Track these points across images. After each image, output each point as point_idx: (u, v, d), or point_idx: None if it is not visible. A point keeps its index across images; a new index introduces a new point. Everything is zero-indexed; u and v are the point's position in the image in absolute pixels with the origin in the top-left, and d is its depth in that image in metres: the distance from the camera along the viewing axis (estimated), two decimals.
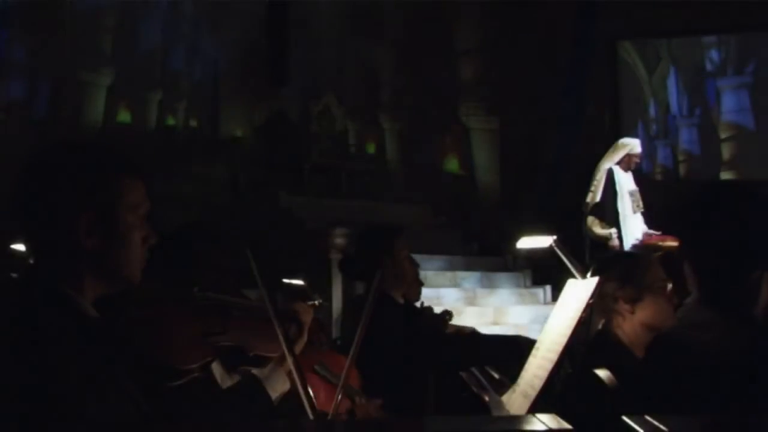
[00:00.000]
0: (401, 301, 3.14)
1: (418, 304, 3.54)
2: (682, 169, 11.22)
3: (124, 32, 11.34)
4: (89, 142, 1.50)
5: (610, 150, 6.68)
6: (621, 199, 6.40)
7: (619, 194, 6.39)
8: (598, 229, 6.42)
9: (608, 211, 6.42)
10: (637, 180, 6.76)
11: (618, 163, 6.52)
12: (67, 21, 10.50)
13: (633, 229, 6.38)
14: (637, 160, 6.67)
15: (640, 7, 10.46)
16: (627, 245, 6.29)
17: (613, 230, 6.32)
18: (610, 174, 6.45)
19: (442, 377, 3.00)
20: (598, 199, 6.49)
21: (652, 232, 6.38)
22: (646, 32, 11.25)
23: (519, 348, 2.83)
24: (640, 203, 6.48)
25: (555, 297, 7.78)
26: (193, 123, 12.08)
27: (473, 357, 2.97)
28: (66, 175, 1.39)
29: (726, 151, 10.95)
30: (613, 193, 6.39)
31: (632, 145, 6.68)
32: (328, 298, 6.63)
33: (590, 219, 6.52)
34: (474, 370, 2.62)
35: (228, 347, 1.75)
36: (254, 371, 1.84)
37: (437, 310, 3.91)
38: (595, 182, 6.50)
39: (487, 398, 2.09)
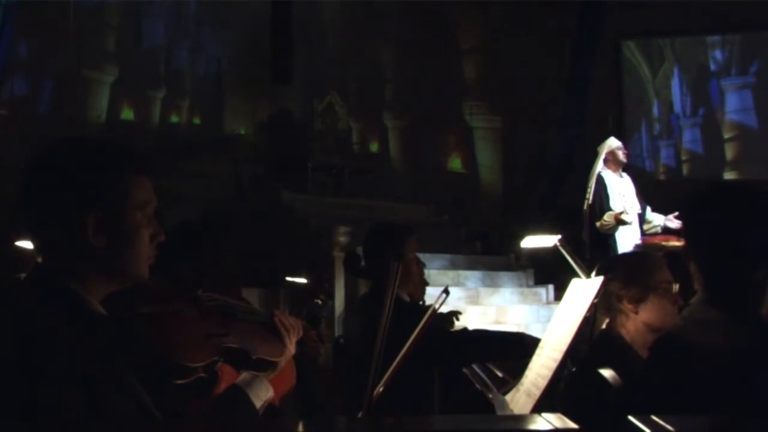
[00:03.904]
0: (407, 299, 3.14)
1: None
2: (685, 169, 11.21)
3: (128, 30, 11.37)
4: (97, 140, 1.49)
5: None
6: (612, 202, 6.46)
7: (610, 197, 6.46)
8: (599, 224, 6.48)
9: (599, 214, 6.50)
10: (638, 179, 6.80)
11: (606, 163, 6.61)
12: (71, 18, 10.51)
13: (625, 231, 6.45)
14: (623, 151, 6.72)
15: (644, 7, 10.45)
16: (620, 248, 6.37)
17: (608, 213, 6.40)
18: (600, 179, 6.54)
19: (446, 375, 3.00)
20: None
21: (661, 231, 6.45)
22: (650, 32, 11.25)
23: (522, 344, 2.83)
24: (636, 204, 6.53)
25: (557, 296, 7.78)
26: (197, 120, 12.10)
27: (477, 354, 2.97)
28: (73, 173, 1.38)
29: (729, 151, 10.94)
30: (605, 197, 6.47)
31: (608, 141, 6.76)
32: (330, 297, 6.63)
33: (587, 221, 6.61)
34: (477, 368, 2.63)
35: (232, 349, 1.75)
36: (237, 381, 1.85)
37: (443, 309, 3.90)
38: (589, 189, 6.60)
39: (491, 397, 2.09)
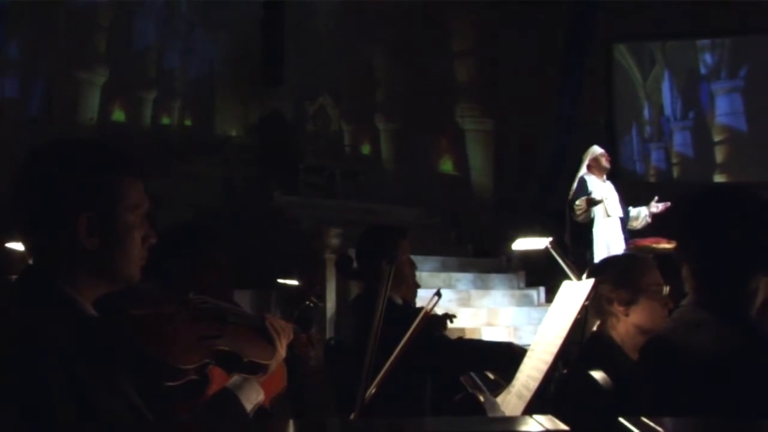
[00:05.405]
0: (400, 302, 3.14)
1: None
2: (675, 172, 11.26)
3: (119, 31, 11.32)
4: (89, 141, 1.50)
5: None
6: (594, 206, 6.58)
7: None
8: (578, 213, 6.58)
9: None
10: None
11: (590, 169, 6.76)
12: (62, 19, 10.47)
13: (605, 233, 6.55)
14: (607, 158, 6.86)
15: (636, 10, 10.49)
16: (597, 249, 6.47)
17: (579, 199, 6.51)
18: (582, 182, 6.65)
19: (438, 378, 3.00)
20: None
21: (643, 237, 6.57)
22: (641, 35, 11.29)
23: (513, 354, 2.84)
24: (618, 209, 6.64)
25: (548, 299, 7.81)
26: (188, 122, 12.06)
27: (472, 361, 2.98)
28: (66, 175, 1.38)
29: (719, 154, 11.00)
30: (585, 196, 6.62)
31: (591, 149, 6.92)
32: (321, 299, 6.63)
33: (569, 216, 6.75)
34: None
35: (223, 352, 1.75)
36: (228, 384, 1.85)
37: (436, 311, 3.89)
38: (571, 192, 6.75)
39: (482, 399, 2.10)
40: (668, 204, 6.48)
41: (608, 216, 6.56)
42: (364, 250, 3.24)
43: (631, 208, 6.73)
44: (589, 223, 6.57)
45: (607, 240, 6.50)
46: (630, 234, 6.70)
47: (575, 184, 6.72)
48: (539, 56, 10.89)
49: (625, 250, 6.36)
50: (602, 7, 10.42)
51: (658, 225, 6.63)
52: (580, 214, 6.54)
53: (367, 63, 12.46)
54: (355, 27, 12.15)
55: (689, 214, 1.81)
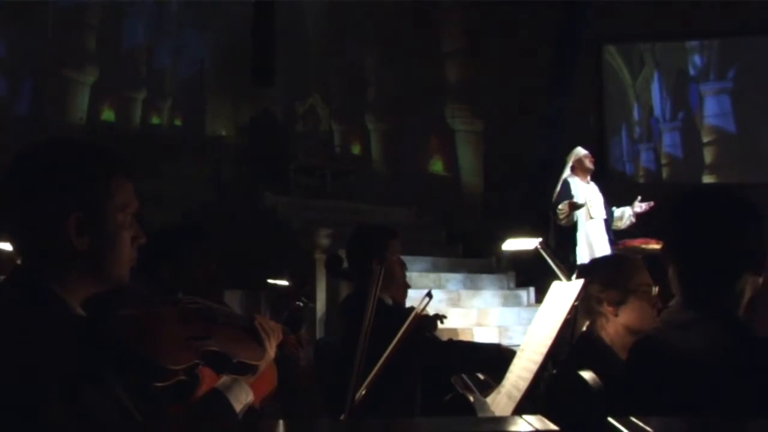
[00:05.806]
0: (390, 302, 3.14)
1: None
2: (665, 173, 11.31)
3: (109, 30, 11.29)
4: (78, 141, 1.49)
5: None
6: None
7: (574, 199, 6.62)
8: (560, 218, 6.62)
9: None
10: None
11: (573, 171, 6.79)
12: (52, 18, 10.43)
13: (588, 235, 6.59)
14: (589, 159, 6.90)
15: (625, 12, 10.54)
16: (580, 251, 6.50)
17: (562, 203, 6.55)
18: (565, 184, 6.68)
19: (429, 379, 3.01)
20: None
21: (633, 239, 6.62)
22: (630, 36, 11.34)
23: (501, 356, 2.85)
24: (602, 211, 6.67)
25: (538, 299, 7.83)
26: (178, 122, 12.03)
27: (462, 361, 2.98)
28: (56, 174, 1.38)
29: (708, 155, 11.06)
30: (568, 199, 6.64)
31: (575, 150, 6.95)
32: (311, 299, 6.63)
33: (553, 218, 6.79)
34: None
35: (212, 353, 1.75)
36: (217, 384, 1.85)
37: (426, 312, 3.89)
38: (555, 195, 6.79)
39: (472, 399, 2.10)
40: (652, 203, 6.52)
41: (591, 218, 6.59)
42: (354, 250, 3.25)
43: (614, 209, 6.76)
44: (573, 225, 6.60)
45: (591, 242, 6.53)
46: (615, 235, 6.73)
47: (559, 187, 6.74)
48: (529, 57, 10.91)
49: (611, 251, 6.38)
50: (592, 8, 10.45)
51: (645, 225, 6.66)
52: (563, 218, 6.57)
53: (357, 63, 12.46)
54: (346, 27, 12.15)
55: (675, 214, 1.82)
